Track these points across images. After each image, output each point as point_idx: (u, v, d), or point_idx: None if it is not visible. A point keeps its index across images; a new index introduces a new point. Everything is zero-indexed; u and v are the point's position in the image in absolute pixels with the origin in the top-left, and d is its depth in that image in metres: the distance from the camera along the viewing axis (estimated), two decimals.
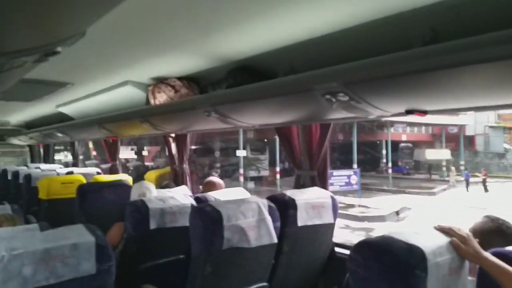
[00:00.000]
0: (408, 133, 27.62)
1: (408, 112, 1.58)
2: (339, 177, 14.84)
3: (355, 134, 21.75)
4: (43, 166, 6.31)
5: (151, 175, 4.36)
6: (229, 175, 22.49)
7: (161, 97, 2.83)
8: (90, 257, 1.35)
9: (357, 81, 1.47)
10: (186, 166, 3.95)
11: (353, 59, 1.53)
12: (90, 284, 1.36)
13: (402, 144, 27.88)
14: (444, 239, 1.28)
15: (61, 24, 1.13)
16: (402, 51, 1.40)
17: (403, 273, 1.14)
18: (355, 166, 19.52)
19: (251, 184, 19.68)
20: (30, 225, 1.90)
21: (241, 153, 19.46)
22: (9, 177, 5.55)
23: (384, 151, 25.09)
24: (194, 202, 2.47)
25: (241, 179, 18.81)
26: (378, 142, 27.13)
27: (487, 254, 1.27)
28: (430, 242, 1.23)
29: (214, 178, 3.24)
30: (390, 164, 23.94)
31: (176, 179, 3.91)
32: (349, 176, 15.19)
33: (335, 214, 2.24)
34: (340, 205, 14.51)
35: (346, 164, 24.03)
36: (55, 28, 1.15)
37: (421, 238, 1.23)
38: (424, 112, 1.58)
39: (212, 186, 3.07)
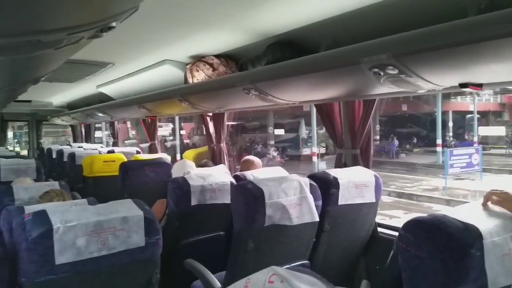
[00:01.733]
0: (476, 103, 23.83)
1: (462, 85, 1.49)
2: (459, 157, 12.07)
3: (440, 104, 18.51)
4: (85, 145, 6.54)
5: (189, 154, 4.42)
6: (284, 153, 20.65)
7: (199, 76, 2.84)
8: (139, 230, 1.38)
9: (408, 53, 1.39)
10: (223, 145, 3.98)
11: (402, 30, 1.46)
12: (140, 256, 1.40)
13: (468, 116, 24.11)
14: (501, 218, 1.22)
15: None
16: (456, 20, 1.31)
17: (457, 252, 1.09)
18: (439, 141, 17.07)
19: (322, 165, 16.80)
20: (79, 200, 1.97)
21: (313, 128, 15.97)
22: (54, 156, 5.79)
23: (450, 124, 22.03)
24: (233, 180, 2.48)
25: (314, 159, 15.49)
26: (432, 114, 23.54)
27: None
28: (486, 220, 1.17)
29: (252, 157, 3.23)
30: (476, 138, 19.78)
31: (214, 158, 3.95)
32: (470, 155, 12.35)
33: (378, 194, 2.19)
34: (463, 191, 12.18)
35: (402, 137, 22.00)
36: (111, 3, 1.16)
37: (476, 217, 1.18)
38: (479, 86, 1.50)
39: (250, 165, 3.08)
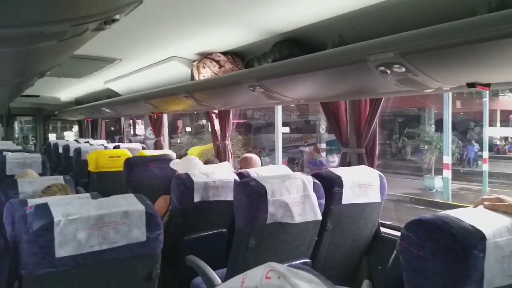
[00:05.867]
0: None
1: (470, 85, 1.47)
2: None
3: None
4: (92, 140, 6.58)
5: (194, 151, 4.43)
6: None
7: (205, 73, 2.83)
8: (140, 224, 1.38)
9: (415, 51, 1.38)
10: (228, 142, 3.97)
11: (409, 28, 1.44)
12: (141, 250, 1.40)
13: None
14: (504, 219, 1.20)
15: None
16: (466, 19, 1.29)
17: (460, 253, 1.07)
18: None
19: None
20: (82, 194, 1.98)
21: (447, 127, 10.96)
22: (60, 151, 5.83)
23: (498, 124, 18.36)
24: (236, 178, 2.47)
25: (447, 173, 10.58)
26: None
27: None
28: (490, 221, 1.15)
29: (251, 155, 3.22)
30: None
31: (219, 155, 3.95)
32: None
33: (383, 194, 2.17)
34: None
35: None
36: None
37: (479, 217, 1.16)
38: (487, 86, 1.47)
39: (249, 163, 3.06)
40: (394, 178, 12.63)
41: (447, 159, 10.97)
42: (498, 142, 19.75)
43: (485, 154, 12.64)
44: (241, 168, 2.95)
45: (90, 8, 1.19)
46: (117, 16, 1.28)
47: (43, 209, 1.32)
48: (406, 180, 13.14)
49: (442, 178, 11.67)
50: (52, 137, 8.84)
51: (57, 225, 1.28)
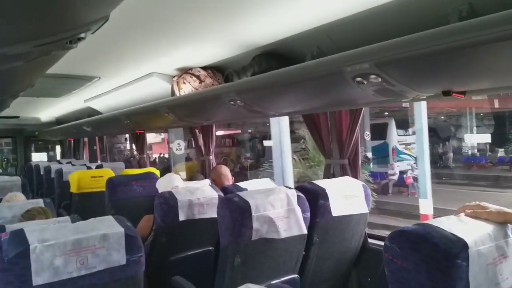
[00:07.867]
0: None
1: (445, 93, 1.48)
2: None
3: None
4: (74, 161, 6.46)
5: (179, 167, 4.38)
6: None
7: (186, 88, 2.82)
8: (120, 247, 1.33)
9: (390, 62, 1.38)
10: (212, 157, 3.94)
11: (385, 38, 1.45)
12: (121, 274, 1.35)
13: None
14: (486, 227, 1.20)
15: (83, 8, 1.11)
16: (438, 28, 1.31)
17: (443, 263, 1.06)
18: None
19: None
20: (61, 218, 1.93)
21: None
22: (42, 172, 5.70)
23: None
24: (221, 194, 2.44)
25: None
26: None
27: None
28: (471, 229, 1.15)
29: (220, 165, 3.17)
30: None
31: (204, 171, 3.91)
32: None
33: (368, 204, 2.16)
34: None
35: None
36: (78, 13, 1.13)
37: (461, 226, 1.16)
38: (462, 93, 1.49)
39: (219, 173, 2.99)
40: (455, 189, 10.56)
41: None
42: None
43: None
44: (212, 180, 2.90)
45: (50, 27, 1.15)
46: (82, 35, 1.25)
47: (19, 236, 1.27)
48: (480, 194, 10.63)
49: None
50: (42, 157, 8.48)
51: (33, 252, 1.23)
